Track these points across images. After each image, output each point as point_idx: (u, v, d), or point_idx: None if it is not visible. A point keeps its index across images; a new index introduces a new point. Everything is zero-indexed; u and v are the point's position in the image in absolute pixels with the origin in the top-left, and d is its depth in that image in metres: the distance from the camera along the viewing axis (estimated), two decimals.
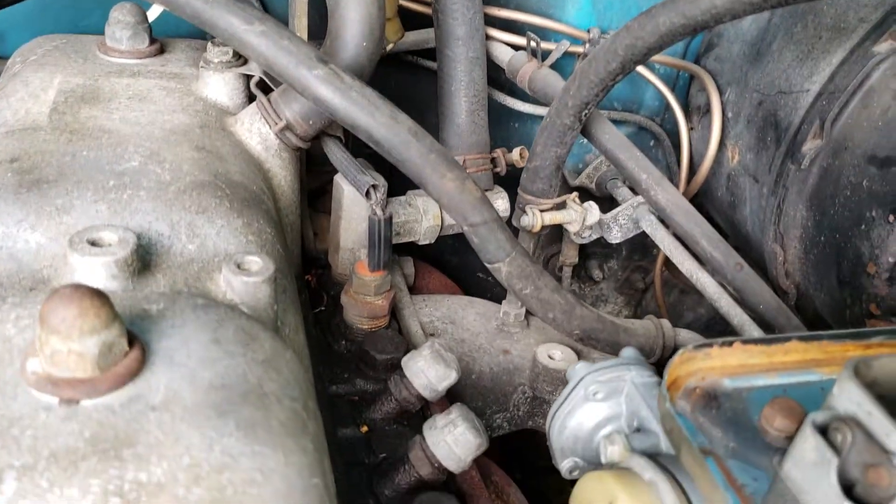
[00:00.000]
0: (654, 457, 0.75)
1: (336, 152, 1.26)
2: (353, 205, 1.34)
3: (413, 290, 1.63)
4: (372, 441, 1.14)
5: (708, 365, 0.81)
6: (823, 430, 0.68)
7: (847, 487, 0.66)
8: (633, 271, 2.00)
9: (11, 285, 0.85)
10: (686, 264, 1.34)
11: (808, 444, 0.68)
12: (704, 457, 0.71)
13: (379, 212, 1.20)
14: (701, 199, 1.67)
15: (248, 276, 0.87)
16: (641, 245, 1.93)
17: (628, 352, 0.90)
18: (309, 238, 1.51)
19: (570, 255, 1.68)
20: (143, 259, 0.88)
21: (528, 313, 1.53)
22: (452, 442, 1.02)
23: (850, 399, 0.69)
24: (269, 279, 0.88)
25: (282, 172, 1.21)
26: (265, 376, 0.75)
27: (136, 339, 0.70)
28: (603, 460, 0.79)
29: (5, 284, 0.85)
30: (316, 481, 0.73)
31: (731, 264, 1.27)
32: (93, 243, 0.83)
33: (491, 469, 1.27)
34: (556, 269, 1.81)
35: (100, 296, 0.65)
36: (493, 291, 1.89)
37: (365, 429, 1.16)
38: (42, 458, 0.61)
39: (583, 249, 1.96)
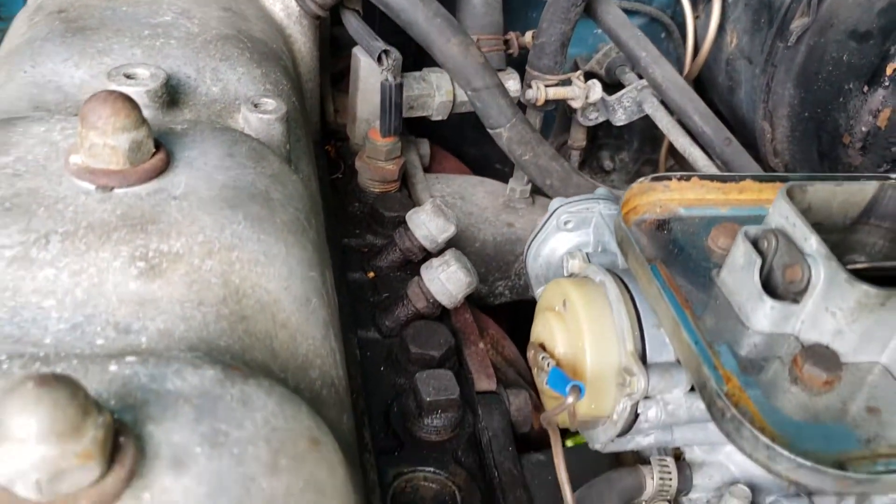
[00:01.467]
0: (608, 268, 0.85)
1: (353, 22, 1.35)
2: (370, 76, 1.44)
3: (428, 171, 1.73)
4: (377, 284, 1.26)
5: (666, 197, 0.91)
6: (755, 242, 0.78)
7: (767, 288, 0.76)
8: (644, 164, 2.08)
9: (58, 111, 0.97)
10: (680, 140, 1.42)
11: (739, 251, 0.78)
12: (649, 263, 0.81)
13: (390, 77, 1.30)
14: (704, 86, 1.74)
15: (263, 113, 0.98)
16: (652, 137, 2.01)
17: (601, 190, 1.00)
18: (329, 112, 1.61)
19: (577, 139, 1.77)
20: (172, 95, 0.99)
21: (534, 191, 1.63)
22: (445, 279, 1.14)
23: (780, 214, 0.78)
24: (281, 118, 0.98)
25: (301, 38, 1.31)
26: (272, 186, 0.86)
27: (161, 146, 0.81)
28: (565, 273, 0.89)
29: (53, 111, 0.97)
30: (313, 275, 0.85)
31: (720, 139, 1.35)
32: (128, 76, 0.94)
33: (487, 324, 1.39)
34: (566, 156, 1.90)
35: (130, 101, 0.76)
36: None
37: (372, 274, 1.28)
38: (81, 227, 0.73)
39: (594, 140, 2.05)
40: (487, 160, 2.04)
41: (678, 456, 0.91)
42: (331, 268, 0.94)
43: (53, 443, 0.48)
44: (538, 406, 1.11)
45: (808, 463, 0.63)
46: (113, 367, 0.59)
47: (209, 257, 0.74)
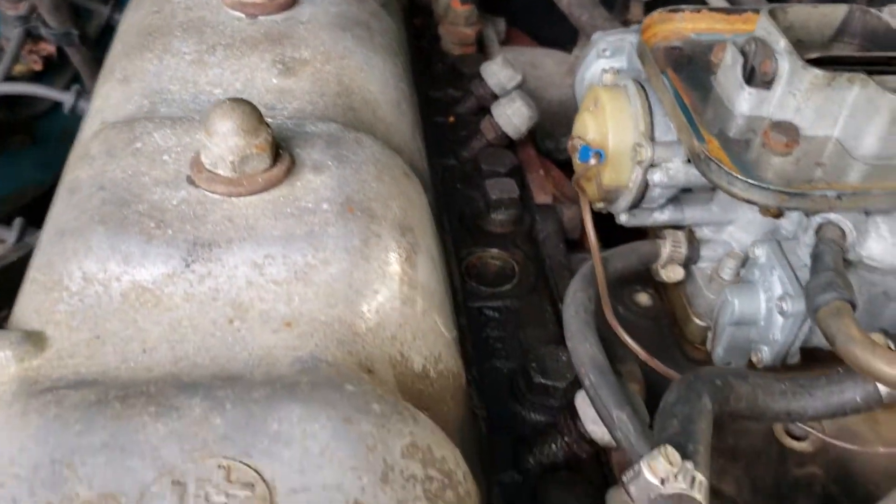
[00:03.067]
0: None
1: None
2: None
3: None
4: (457, 126, 1.52)
5: (680, 25, 1.14)
6: (741, 48, 1.01)
7: (748, 81, 0.99)
8: None
9: None
10: None
11: (728, 54, 1.01)
12: (661, 71, 1.05)
13: None
14: None
15: None
16: None
17: (635, 27, 1.23)
18: None
19: (636, 14, 1.97)
20: None
21: None
22: (511, 113, 1.39)
23: (761, 27, 1.01)
24: None
25: None
26: (371, 19, 1.13)
27: None
28: (600, 85, 1.13)
29: None
30: (402, 86, 1.12)
31: None
32: None
33: (552, 168, 1.64)
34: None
35: None
36: None
37: (452, 118, 1.54)
38: (237, 41, 1.02)
39: None
40: (558, 40, 2.26)
41: (690, 233, 1.16)
42: (415, 97, 1.21)
43: (242, 136, 0.76)
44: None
45: (755, 182, 0.87)
46: (269, 119, 0.87)
47: (327, 63, 1.02)
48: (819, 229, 0.92)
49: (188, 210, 0.77)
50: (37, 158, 2.10)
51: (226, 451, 0.58)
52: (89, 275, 0.72)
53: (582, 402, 0.94)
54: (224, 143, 0.76)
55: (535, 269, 1.24)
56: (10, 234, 1.56)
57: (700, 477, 0.70)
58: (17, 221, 1.56)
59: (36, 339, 0.69)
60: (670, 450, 0.69)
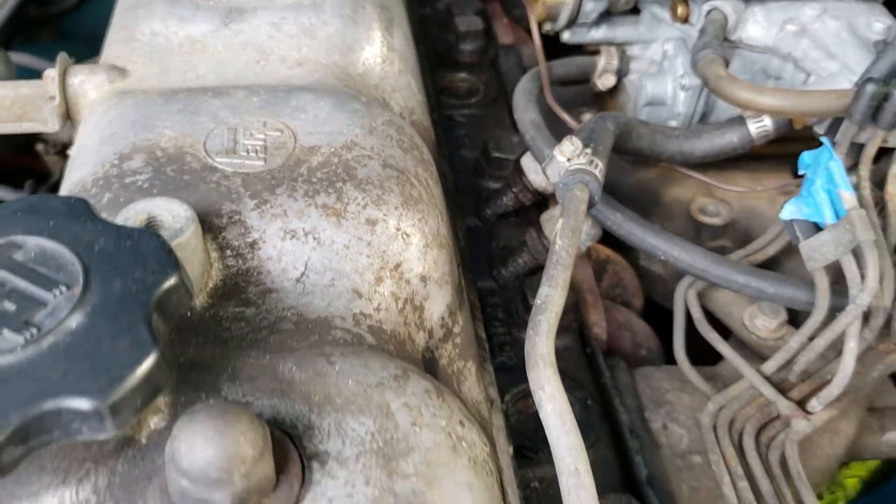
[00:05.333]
0: None
1: None
2: None
3: None
4: None
5: None
6: None
7: None
8: None
9: None
10: None
11: None
12: None
13: None
14: None
15: None
16: None
17: None
18: None
19: None
20: None
21: None
22: None
23: None
24: None
25: None
26: None
27: None
28: None
29: None
30: None
31: None
32: None
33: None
34: None
35: None
36: None
37: None
38: None
39: None
40: None
41: (621, 50, 1.42)
42: None
43: None
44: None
45: None
46: None
47: None
48: (708, 14, 1.19)
49: None
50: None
51: (262, 115, 0.85)
52: (155, 31, 1.00)
53: (526, 160, 1.21)
54: None
55: (497, 88, 1.51)
56: None
57: (598, 162, 0.97)
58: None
59: (121, 70, 0.96)
60: (574, 138, 0.97)
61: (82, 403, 0.48)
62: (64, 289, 0.54)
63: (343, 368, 0.64)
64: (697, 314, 1.08)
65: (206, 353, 0.66)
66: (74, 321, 0.52)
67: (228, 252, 0.73)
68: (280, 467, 0.54)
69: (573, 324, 1.12)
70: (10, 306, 0.53)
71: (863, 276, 0.88)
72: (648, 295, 1.39)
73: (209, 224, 0.74)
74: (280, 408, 0.60)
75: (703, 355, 1.14)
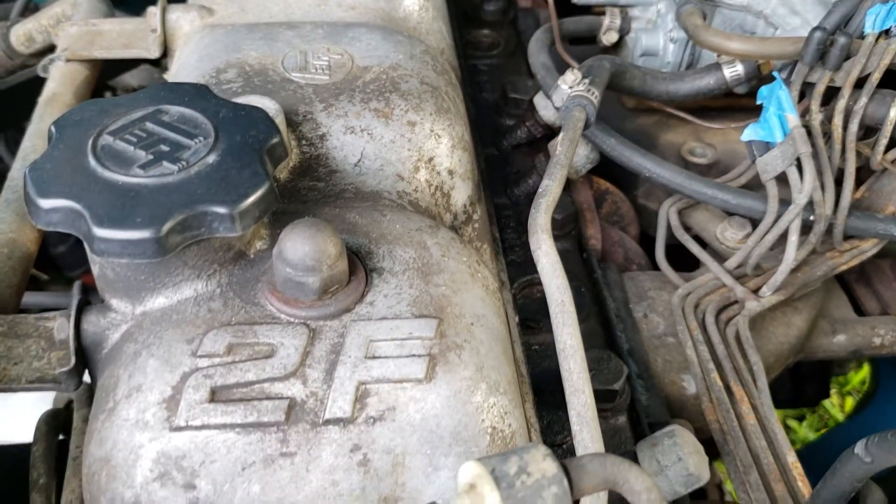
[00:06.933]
0: None
1: None
2: None
3: None
4: None
5: None
6: None
7: None
8: None
9: None
10: None
11: None
12: None
13: None
14: None
15: None
16: None
17: None
18: None
19: None
20: None
21: None
22: None
23: None
24: None
25: None
26: None
27: None
28: None
29: None
30: None
31: None
32: None
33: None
34: None
35: None
36: None
37: None
38: None
39: None
40: None
41: (624, 11, 1.63)
42: None
43: None
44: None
45: None
46: None
47: None
48: None
49: None
50: None
51: (326, 43, 1.08)
52: None
53: (538, 98, 1.43)
54: None
55: (515, 44, 1.73)
56: None
57: (595, 90, 1.19)
58: None
59: (208, 9, 1.19)
60: (575, 70, 1.19)
61: (221, 209, 0.71)
62: (201, 139, 0.77)
63: (392, 218, 0.87)
64: (675, 222, 1.30)
65: (292, 208, 0.89)
66: (211, 158, 0.75)
67: (304, 142, 0.96)
68: (351, 271, 0.77)
69: (572, 232, 1.34)
70: (165, 148, 0.76)
71: (802, 182, 1.10)
72: (644, 230, 1.61)
73: (289, 120, 0.96)
74: (349, 240, 0.83)
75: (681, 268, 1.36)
